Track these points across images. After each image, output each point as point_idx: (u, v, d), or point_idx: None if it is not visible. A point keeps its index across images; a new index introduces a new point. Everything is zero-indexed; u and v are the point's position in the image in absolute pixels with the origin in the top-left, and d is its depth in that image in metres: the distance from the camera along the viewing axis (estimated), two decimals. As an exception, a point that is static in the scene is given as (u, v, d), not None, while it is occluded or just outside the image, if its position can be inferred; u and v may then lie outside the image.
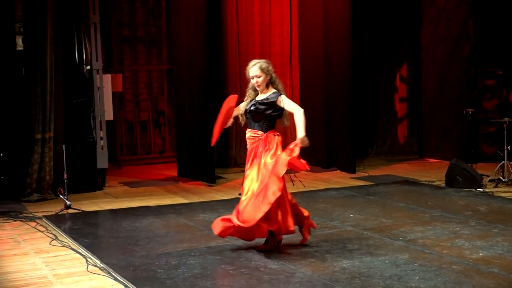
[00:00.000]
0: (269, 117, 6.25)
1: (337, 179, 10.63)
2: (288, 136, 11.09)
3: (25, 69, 9.53)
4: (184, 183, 10.47)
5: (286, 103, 6.23)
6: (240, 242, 6.61)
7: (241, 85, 12.13)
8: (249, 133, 6.32)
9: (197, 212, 8.25)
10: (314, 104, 11.71)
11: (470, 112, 10.62)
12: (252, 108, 6.30)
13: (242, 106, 6.42)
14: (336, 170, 11.30)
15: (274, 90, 6.29)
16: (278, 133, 6.31)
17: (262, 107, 6.27)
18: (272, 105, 6.25)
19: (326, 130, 11.44)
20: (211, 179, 10.33)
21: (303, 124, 6.12)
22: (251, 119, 6.34)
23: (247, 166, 6.35)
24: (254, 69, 6.29)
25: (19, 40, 9.86)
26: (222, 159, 12.01)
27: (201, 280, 5.50)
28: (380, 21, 12.93)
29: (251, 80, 6.33)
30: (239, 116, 6.43)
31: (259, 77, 6.28)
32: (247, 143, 6.40)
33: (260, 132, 6.27)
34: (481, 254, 6.08)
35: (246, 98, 6.45)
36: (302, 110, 6.17)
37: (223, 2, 11.90)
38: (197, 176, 10.62)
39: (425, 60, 12.54)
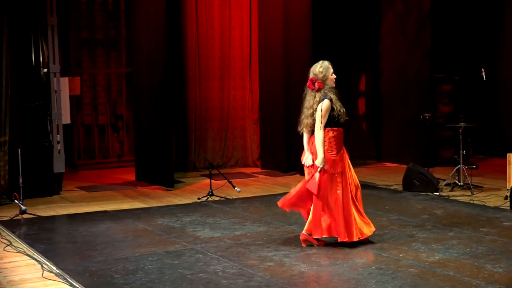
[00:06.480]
0: None
1: (297, 183, 10.60)
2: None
3: (-20, 72, 9.37)
4: (142, 188, 10.39)
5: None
6: (198, 246, 6.59)
7: (200, 88, 12.11)
8: None
9: (155, 217, 8.19)
10: (274, 108, 11.74)
11: (427, 117, 10.76)
12: None
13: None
14: (295, 174, 11.32)
15: None
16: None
17: None
18: None
19: (286, 134, 11.45)
20: (170, 183, 10.27)
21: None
22: None
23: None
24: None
25: (-27, 43, 9.69)
26: (181, 163, 11.97)
27: (159, 285, 5.46)
28: (340, 26, 12.98)
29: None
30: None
31: None
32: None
33: None
34: (437, 257, 6.15)
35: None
36: None
37: (183, 6, 11.86)
38: (155, 180, 10.55)
39: (384, 67, 12.67)
